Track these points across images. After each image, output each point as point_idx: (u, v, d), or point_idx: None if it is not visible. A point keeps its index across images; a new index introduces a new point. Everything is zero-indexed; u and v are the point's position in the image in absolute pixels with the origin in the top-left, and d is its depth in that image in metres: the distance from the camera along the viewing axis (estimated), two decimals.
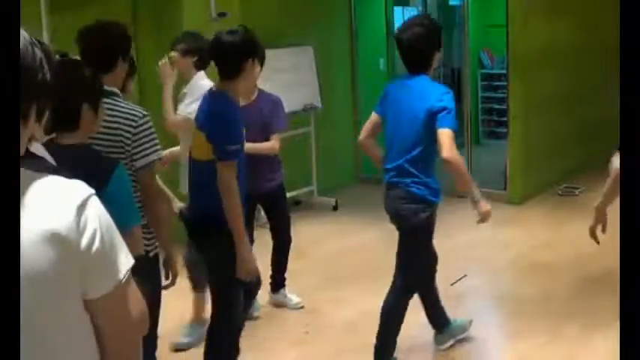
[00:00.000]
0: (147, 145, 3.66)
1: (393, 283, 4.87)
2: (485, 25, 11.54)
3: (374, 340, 4.90)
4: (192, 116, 4.55)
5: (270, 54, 8.30)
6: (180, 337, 5.34)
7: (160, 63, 5.28)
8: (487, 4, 11.27)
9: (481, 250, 7.37)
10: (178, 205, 4.57)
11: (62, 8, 6.62)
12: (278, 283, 6.13)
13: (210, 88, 4.43)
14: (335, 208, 8.96)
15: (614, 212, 8.32)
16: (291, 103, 8.57)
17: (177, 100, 5.33)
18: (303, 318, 5.87)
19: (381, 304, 4.87)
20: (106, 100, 3.58)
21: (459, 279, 6.59)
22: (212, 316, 4.40)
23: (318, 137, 9.14)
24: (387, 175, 4.82)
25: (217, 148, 4.05)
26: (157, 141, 3.72)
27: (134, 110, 3.68)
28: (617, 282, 6.75)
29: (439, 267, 6.48)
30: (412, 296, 4.91)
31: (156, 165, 3.77)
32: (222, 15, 7.53)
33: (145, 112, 3.70)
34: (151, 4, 7.61)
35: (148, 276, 3.58)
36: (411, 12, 11.53)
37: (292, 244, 6.05)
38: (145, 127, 3.66)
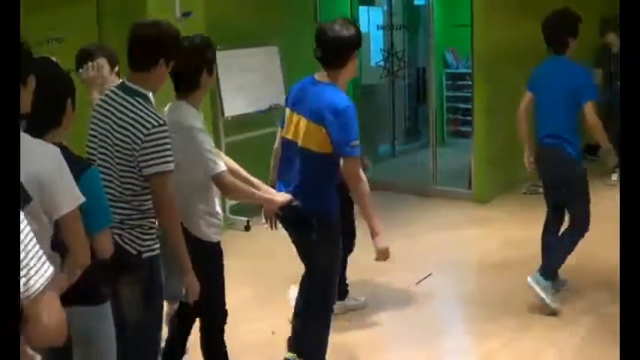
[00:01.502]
0: (154, 156, 3.63)
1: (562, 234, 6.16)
2: (450, 24, 11.57)
3: (343, 338, 4.94)
4: None
5: (235, 54, 8.32)
6: None
7: (85, 68, 4.67)
8: (452, 4, 11.30)
9: (446, 249, 7.39)
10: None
11: (27, 8, 6.54)
12: (343, 289, 5.84)
13: (313, 78, 4.52)
14: None
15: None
16: (256, 103, 8.56)
17: None
18: (270, 319, 5.84)
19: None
20: (129, 99, 3.70)
21: (424, 278, 6.62)
22: (308, 303, 4.67)
23: None
24: (544, 139, 5.97)
25: (342, 144, 4.26)
26: (166, 153, 3.66)
27: (149, 117, 3.64)
28: (581, 279, 6.81)
29: (404, 266, 6.51)
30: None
31: (165, 176, 3.69)
32: (186, 15, 7.49)
33: (160, 122, 3.65)
34: (115, 4, 7.55)
35: (138, 276, 3.77)
36: (376, 12, 11.54)
37: (258, 246, 6.01)
38: (156, 137, 3.62)
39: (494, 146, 9.21)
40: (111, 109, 3.76)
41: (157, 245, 3.84)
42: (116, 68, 4.77)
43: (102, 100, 3.85)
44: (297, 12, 9.75)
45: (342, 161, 4.33)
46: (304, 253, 4.62)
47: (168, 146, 3.67)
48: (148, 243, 3.79)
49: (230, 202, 7.92)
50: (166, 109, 4.24)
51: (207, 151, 4.03)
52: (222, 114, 8.12)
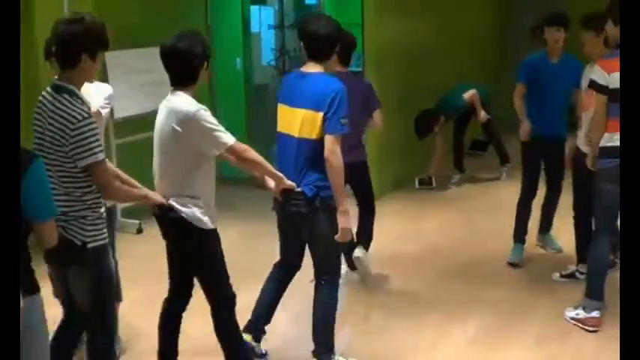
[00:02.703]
0: (82, 149, 3.74)
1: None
2: (341, 23, 11.64)
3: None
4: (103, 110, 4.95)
5: (124, 55, 8.18)
6: None
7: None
8: (342, 3, 11.38)
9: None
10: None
11: None
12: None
13: (301, 71, 4.82)
14: None
15: (466, 208, 8.50)
16: (146, 104, 8.43)
17: None
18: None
19: (247, 301, 4.91)
20: (58, 96, 3.80)
21: None
22: (318, 277, 4.95)
23: None
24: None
25: (334, 121, 4.57)
26: (94, 145, 3.76)
27: (74, 112, 3.74)
28: (473, 273, 6.95)
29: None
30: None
31: (98, 166, 3.81)
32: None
33: (85, 115, 3.75)
34: None
35: (84, 267, 3.94)
36: (267, 11, 11.53)
37: (150, 247, 5.93)
38: (82, 130, 3.72)
39: (386, 143, 9.33)
40: (43, 107, 3.87)
41: (103, 235, 3.96)
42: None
43: (39, 101, 3.94)
44: (188, 12, 9.68)
45: (325, 139, 4.60)
46: (302, 235, 4.89)
47: (96, 137, 3.78)
48: (92, 233, 3.90)
49: (122, 205, 7.81)
50: (165, 101, 4.48)
51: (216, 125, 4.27)
52: (112, 115, 8.00)
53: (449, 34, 11.05)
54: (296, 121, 4.71)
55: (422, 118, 9.57)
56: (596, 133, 5.51)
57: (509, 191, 9.68)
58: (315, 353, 4.95)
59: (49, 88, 3.92)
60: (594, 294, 5.62)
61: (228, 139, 4.29)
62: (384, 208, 8.85)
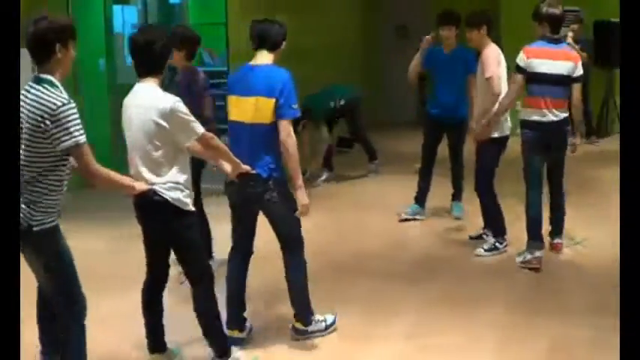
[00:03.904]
0: (62, 134, 3.97)
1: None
2: (205, 23, 11.60)
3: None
4: None
5: None
6: None
7: None
8: (206, 3, 11.34)
9: (221, 243, 7.37)
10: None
11: None
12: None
13: (250, 65, 5.36)
14: None
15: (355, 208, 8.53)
16: None
17: None
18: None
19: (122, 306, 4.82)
20: (36, 86, 4.04)
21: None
22: (287, 256, 5.53)
23: None
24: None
25: (286, 107, 5.08)
26: (74, 128, 3.98)
27: (53, 99, 3.97)
28: (343, 270, 7.03)
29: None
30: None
31: (80, 148, 4.05)
32: None
33: (64, 101, 3.98)
34: None
35: (33, 249, 4.16)
36: (130, 10, 11.36)
37: None
38: (63, 115, 3.96)
39: None
40: (24, 99, 4.08)
41: (50, 219, 4.14)
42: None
43: (22, 94, 4.11)
44: (49, 10, 9.41)
45: (280, 124, 5.07)
46: (256, 215, 5.40)
47: (76, 122, 4.02)
48: (38, 218, 4.09)
49: None
50: (135, 90, 4.84)
51: (191, 116, 4.62)
52: None
53: (318, 36, 11.15)
54: (248, 108, 5.14)
55: None
56: (503, 106, 6.73)
57: (376, 187, 9.88)
58: (297, 316, 5.44)
59: (30, 82, 4.13)
60: (534, 236, 6.70)
61: (200, 128, 4.65)
62: None
